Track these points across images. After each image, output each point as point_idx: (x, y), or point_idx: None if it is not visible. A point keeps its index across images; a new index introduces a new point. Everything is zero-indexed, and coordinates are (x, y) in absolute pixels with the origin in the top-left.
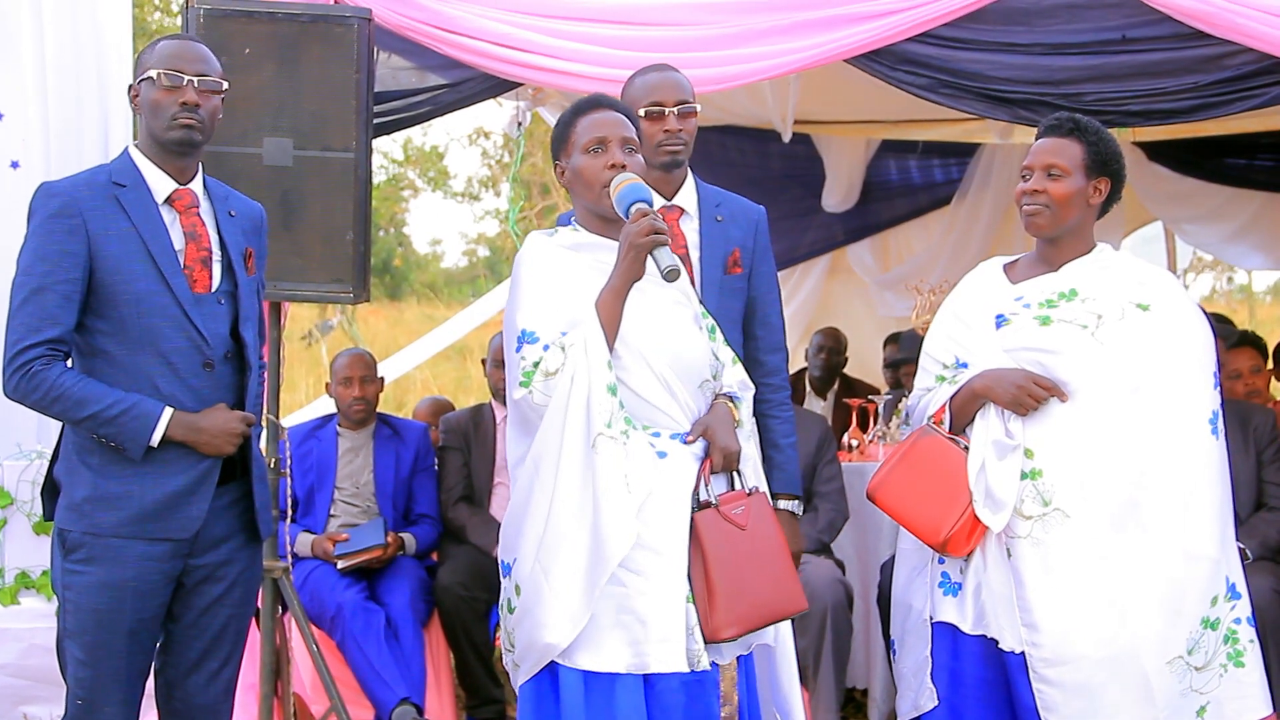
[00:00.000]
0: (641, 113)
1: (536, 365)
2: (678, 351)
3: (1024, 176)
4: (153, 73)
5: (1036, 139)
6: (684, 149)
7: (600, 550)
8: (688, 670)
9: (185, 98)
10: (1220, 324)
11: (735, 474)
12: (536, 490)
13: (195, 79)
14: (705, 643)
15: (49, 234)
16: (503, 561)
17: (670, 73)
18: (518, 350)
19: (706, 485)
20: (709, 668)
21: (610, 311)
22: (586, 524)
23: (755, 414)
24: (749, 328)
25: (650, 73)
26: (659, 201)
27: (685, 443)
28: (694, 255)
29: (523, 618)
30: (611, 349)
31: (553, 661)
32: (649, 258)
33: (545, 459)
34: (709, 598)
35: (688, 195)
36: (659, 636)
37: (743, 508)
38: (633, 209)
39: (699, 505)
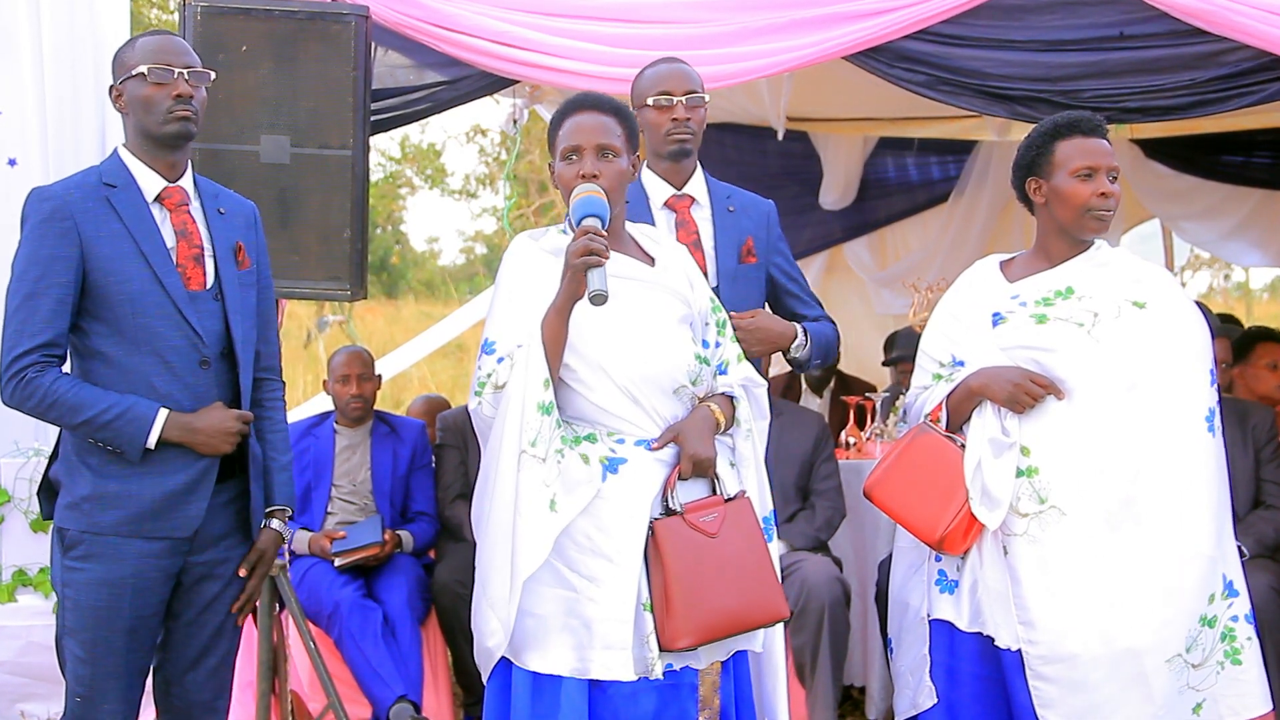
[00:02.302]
0: (650, 102)
1: (489, 377)
2: (644, 360)
3: (1082, 176)
4: (142, 69)
5: (1075, 135)
6: (692, 138)
7: (514, 565)
8: (634, 678)
9: (179, 90)
10: (1226, 323)
11: (715, 479)
12: (485, 502)
13: (185, 71)
14: (662, 650)
15: (41, 239)
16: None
17: (678, 64)
18: (479, 359)
19: (672, 492)
20: (661, 676)
21: (552, 330)
22: (509, 539)
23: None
24: (789, 305)
25: (659, 64)
26: (667, 191)
27: (651, 449)
28: (707, 244)
29: (474, 615)
30: (557, 366)
31: (509, 660)
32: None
33: (488, 472)
34: (666, 606)
35: (698, 185)
36: (603, 643)
37: (714, 515)
38: (580, 224)
39: (666, 512)
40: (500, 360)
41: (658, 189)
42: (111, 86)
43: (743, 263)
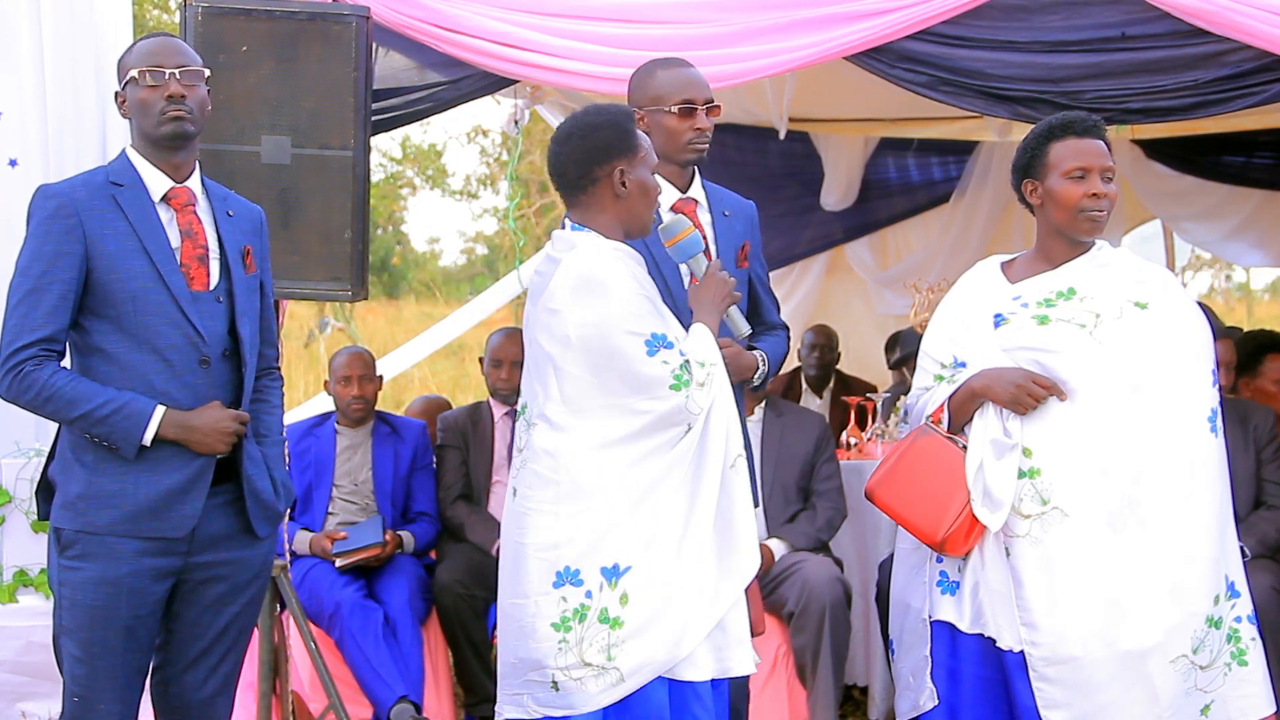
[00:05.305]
0: (673, 109)
1: (685, 369)
2: None
3: (1075, 177)
4: (133, 72)
5: (1068, 136)
6: (708, 146)
7: (735, 567)
8: (754, 669)
9: (170, 91)
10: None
11: None
12: (661, 497)
13: (177, 71)
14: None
15: (46, 235)
16: (602, 567)
17: (694, 69)
18: (652, 353)
19: None
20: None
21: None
22: (722, 541)
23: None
24: (756, 308)
25: (675, 68)
26: (673, 194)
27: None
28: (712, 249)
29: (643, 629)
30: None
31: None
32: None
33: (678, 468)
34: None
35: (698, 189)
36: (737, 639)
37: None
38: (707, 265)
39: None
40: (683, 354)
41: (665, 192)
42: (116, 92)
43: (739, 267)
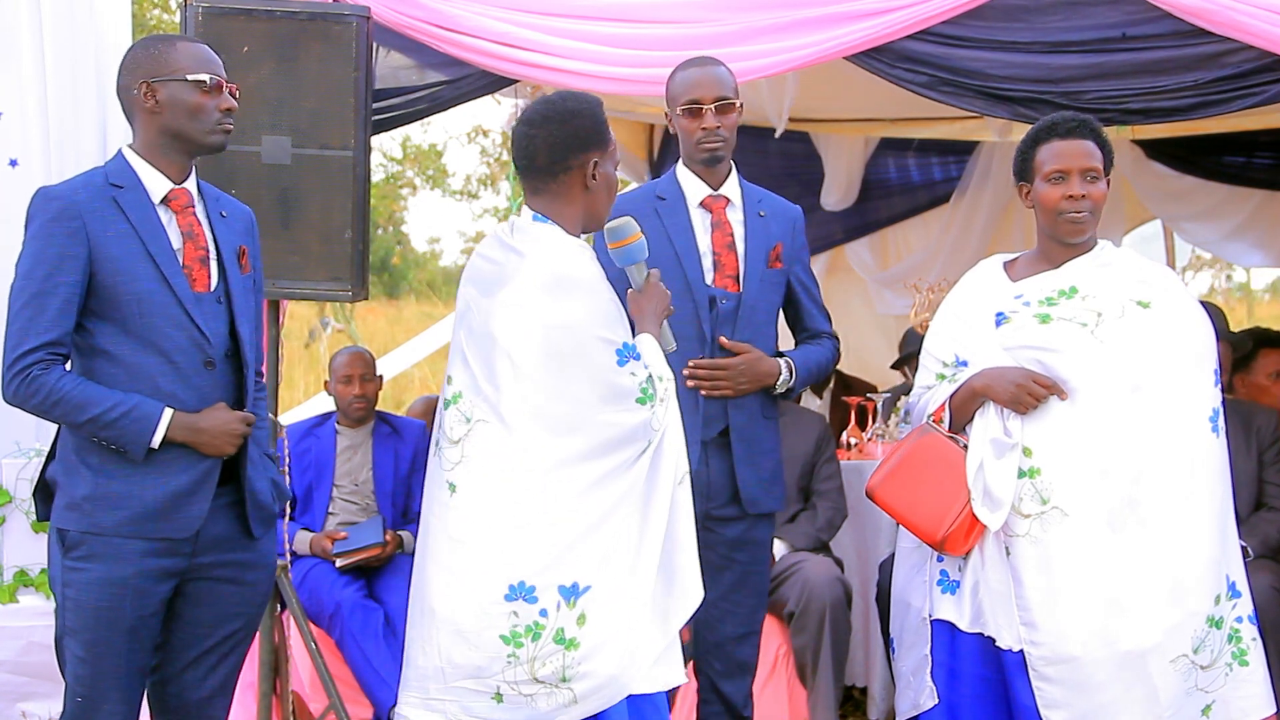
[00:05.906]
0: (680, 110)
1: (650, 383)
2: None
3: (1054, 179)
4: (202, 76)
5: (1052, 138)
6: (723, 145)
7: (684, 586)
8: (686, 678)
9: (229, 104)
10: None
11: None
12: (620, 517)
13: (229, 86)
14: None
15: (49, 238)
16: (560, 586)
17: (710, 68)
18: (622, 364)
19: None
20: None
21: None
22: (669, 561)
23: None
24: (799, 314)
25: (690, 68)
26: (703, 191)
27: None
28: (740, 246)
29: (598, 651)
30: None
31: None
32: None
33: (636, 487)
34: None
35: (732, 186)
36: (675, 653)
37: None
38: (648, 273)
39: None
40: (648, 368)
41: (694, 188)
42: (143, 82)
43: (770, 267)
